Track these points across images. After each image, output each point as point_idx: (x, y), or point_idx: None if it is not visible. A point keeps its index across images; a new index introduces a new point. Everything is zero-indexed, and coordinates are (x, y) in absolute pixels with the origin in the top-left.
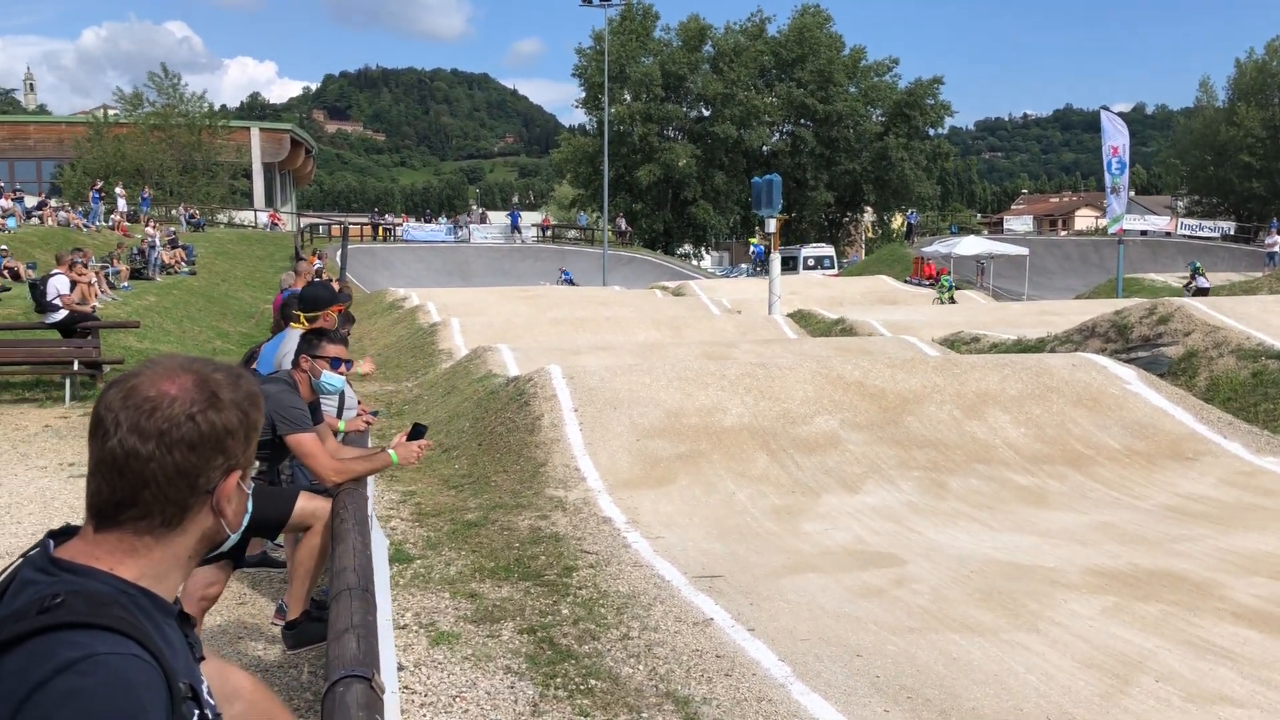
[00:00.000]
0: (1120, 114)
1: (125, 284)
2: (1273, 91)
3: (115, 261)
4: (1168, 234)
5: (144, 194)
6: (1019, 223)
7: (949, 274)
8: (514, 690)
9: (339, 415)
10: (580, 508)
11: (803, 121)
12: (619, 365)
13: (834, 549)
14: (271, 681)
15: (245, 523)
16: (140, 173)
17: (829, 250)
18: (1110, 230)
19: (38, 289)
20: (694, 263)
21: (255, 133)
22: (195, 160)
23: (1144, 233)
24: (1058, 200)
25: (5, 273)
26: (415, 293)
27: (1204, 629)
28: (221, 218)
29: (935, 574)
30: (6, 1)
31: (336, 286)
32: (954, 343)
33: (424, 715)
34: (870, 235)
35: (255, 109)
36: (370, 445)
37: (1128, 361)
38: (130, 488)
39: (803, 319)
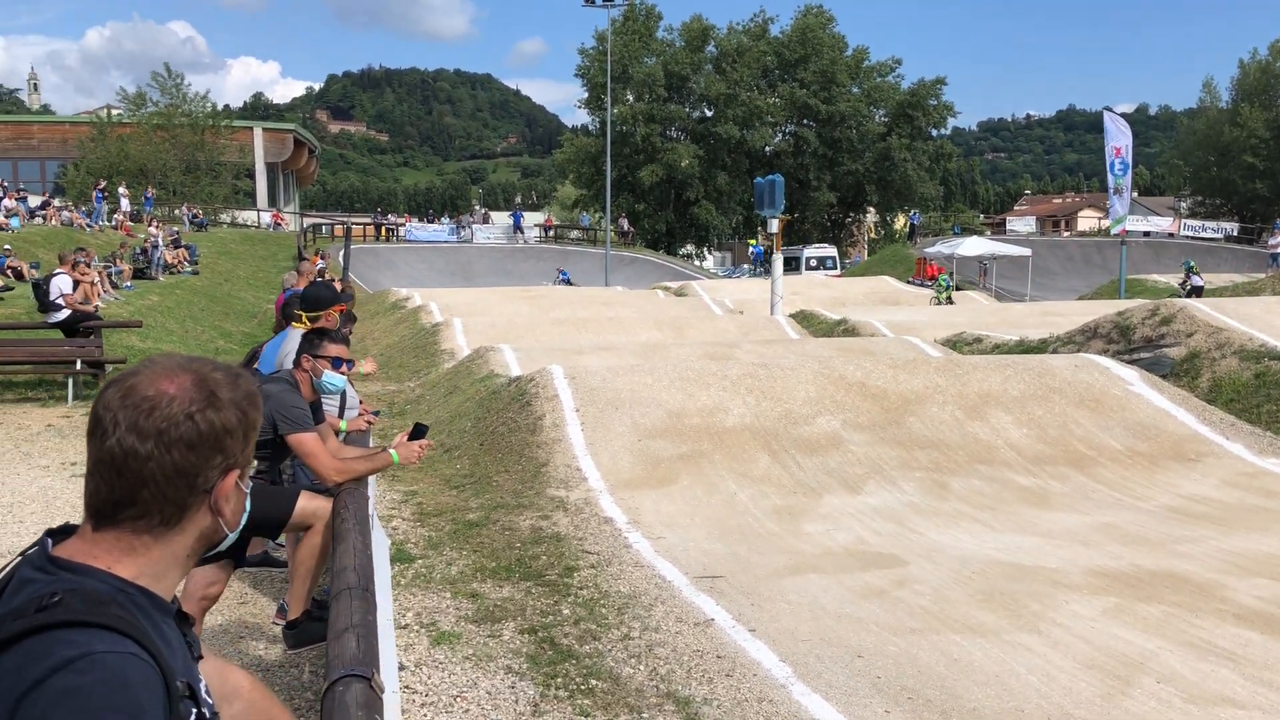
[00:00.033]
0: (1123, 115)
1: (128, 284)
2: (1276, 92)
3: (118, 261)
4: (1171, 235)
5: (147, 194)
6: (1022, 223)
7: (946, 272)
8: (515, 690)
9: (340, 415)
10: (582, 508)
11: (805, 122)
12: (621, 365)
13: (835, 550)
14: (272, 681)
15: (243, 522)
16: (144, 172)
17: (831, 251)
18: (1113, 231)
19: (41, 288)
20: (696, 263)
21: (258, 133)
22: (198, 160)
23: (1147, 234)
24: (1060, 201)
25: (9, 272)
26: (418, 293)
27: (1206, 630)
28: (224, 218)
29: (937, 575)
30: (11, 1)
31: (339, 286)
32: (956, 343)
33: (425, 715)
34: (873, 236)
35: (258, 109)
36: (372, 445)
37: (1130, 362)
38: (129, 487)
39: (805, 319)
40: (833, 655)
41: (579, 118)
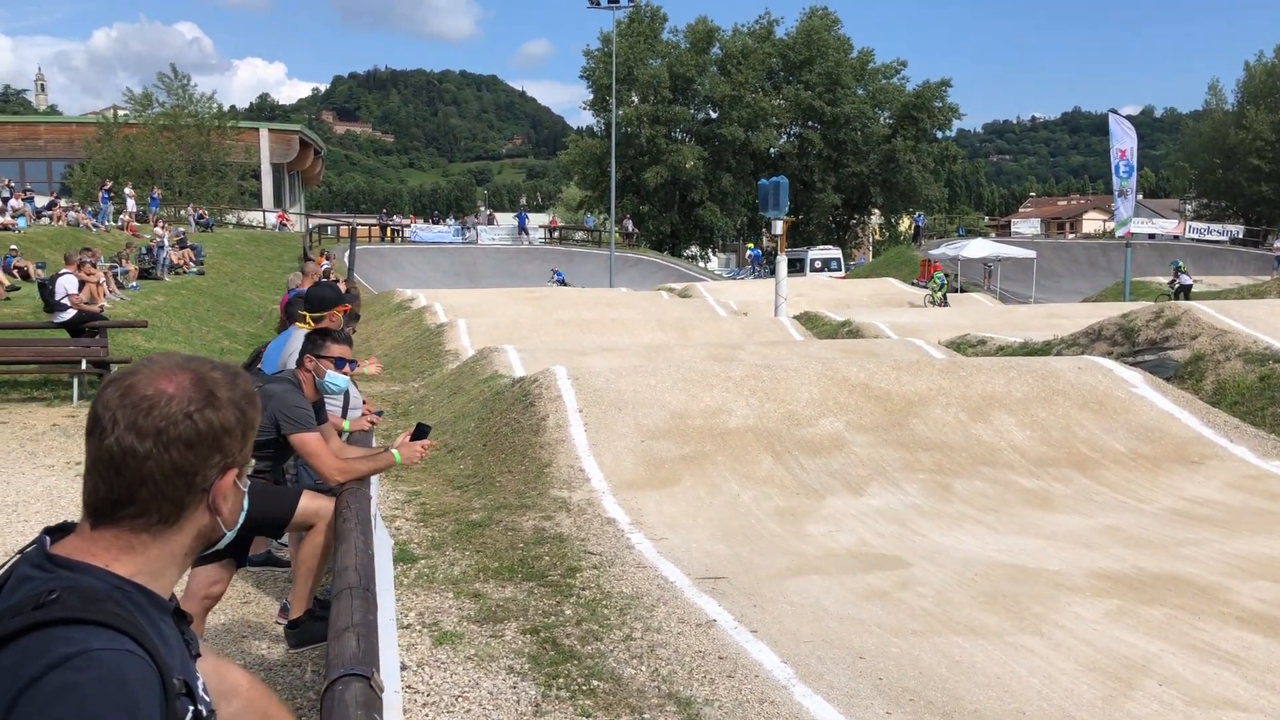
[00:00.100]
0: (1128, 117)
1: (134, 284)
2: None
3: (124, 261)
4: (1176, 237)
5: (153, 194)
6: (1026, 225)
7: (941, 270)
8: (516, 690)
9: (344, 415)
10: (584, 508)
11: (810, 124)
12: (624, 366)
13: (838, 551)
14: (275, 680)
15: (241, 520)
16: (149, 173)
17: (836, 253)
18: (1118, 234)
19: (46, 288)
20: (700, 265)
21: (264, 134)
22: (204, 161)
23: (1152, 236)
24: (1065, 203)
25: (15, 272)
26: (423, 293)
27: (1208, 633)
28: (230, 218)
29: (939, 577)
30: (18, 2)
31: (344, 287)
32: (960, 345)
33: (426, 715)
34: (877, 238)
35: (264, 110)
36: (375, 445)
37: (1134, 365)
38: (127, 486)
39: (809, 321)
40: (835, 657)
41: (584, 119)
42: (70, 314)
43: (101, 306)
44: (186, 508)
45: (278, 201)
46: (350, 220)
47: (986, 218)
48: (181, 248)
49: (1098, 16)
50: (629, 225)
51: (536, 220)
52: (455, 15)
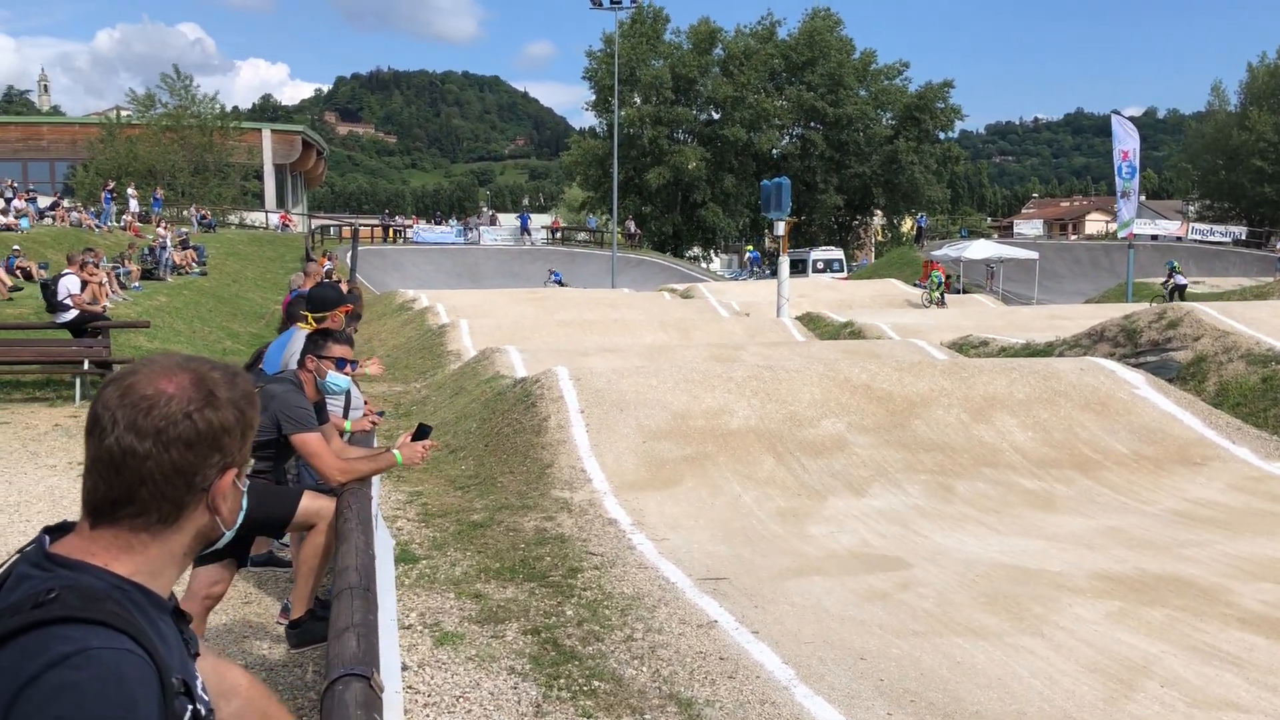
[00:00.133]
0: (1131, 118)
1: (136, 284)
2: None
3: (126, 262)
4: (1179, 239)
5: (156, 195)
6: (1029, 227)
7: (937, 269)
8: (517, 691)
9: (345, 415)
10: (586, 509)
11: (812, 125)
12: (626, 367)
13: (839, 552)
14: (276, 680)
15: (241, 520)
16: (152, 174)
17: (838, 254)
18: (1120, 235)
19: (49, 289)
20: (703, 265)
21: (267, 134)
22: (207, 161)
23: (1154, 237)
24: (1068, 204)
25: (18, 272)
26: (425, 294)
27: (1210, 634)
28: (233, 219)
29: (941, 578)
30: (21, 3)
31: (346, 288)
32: (962, 346)
33: (427, 715)
34: (880, 239)
35: (267, 110)
36: (376, 445)
37: (1136, 366)
38: (127, 485)
39: (811, 322)
40: (836, 657)
41: (586, 120)
42: (73, 314)
43: (104, 307)
44: (186, 507)
45: (280, 202)
46: (353, 221)
47: (989, 219)
48: (184, 248)
49: (1101, 18)
50: (631, 226)
51: (539, 221)
52: (458, 16)
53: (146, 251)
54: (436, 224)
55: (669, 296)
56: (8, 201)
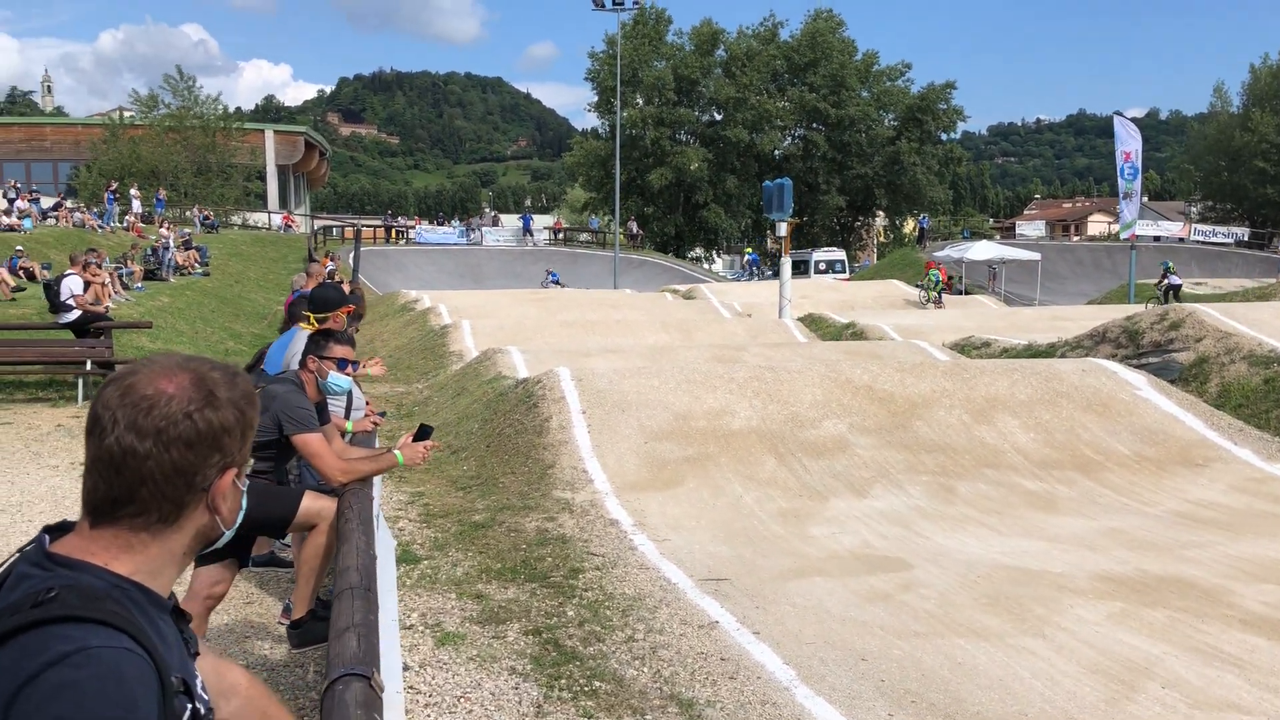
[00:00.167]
0: (1134, 119)
1: (139, 285)
2: None
3: (129, 262)
4: (1181, 240)
5: (159, 195)
6: (1031, 228)
7: (935, 268)
8: (518, 691)
9: (346, 416)
10: (587, 510)
11: (815, 126)
12: (628, 368)
13: (841, 553)
14: (277, 680)
15: (241, 520)
16: (155, 174)
17: (840, 255)
18: (1122, 236)
19: (52, 289)
20: (705, 266)
21: (269, 135)
22: (210, 162)
23: (1157, 238)
24: (1070, 205)
25: (20, 273)
26: (427, 295)
27: (1212, 636)
28: (235, 219)
29: (942, 579)
30: (25, 4)
31: (348, 288)
32: (964, 347)
33: (428, 715)
34: (882, 240)
35: (270, 111)
36: (378, 446)
37: (1138, 367)
38: (127, 485)
39: (813, 323)
40: (837, 658)
41: (589, 121)
42: (75, 315)
43: (106, 307)
44: (186, 507)
45: (283, 203)
46: (355, 221)
47: (991, 220)
48: (186, 249)
49: (1103, 19)
50: (633, 227)
51: (541, 222)
52: (460, 17)
53: (149, 252)
54: (439, 225)
55: (671, 297)
56: (11, 202)
